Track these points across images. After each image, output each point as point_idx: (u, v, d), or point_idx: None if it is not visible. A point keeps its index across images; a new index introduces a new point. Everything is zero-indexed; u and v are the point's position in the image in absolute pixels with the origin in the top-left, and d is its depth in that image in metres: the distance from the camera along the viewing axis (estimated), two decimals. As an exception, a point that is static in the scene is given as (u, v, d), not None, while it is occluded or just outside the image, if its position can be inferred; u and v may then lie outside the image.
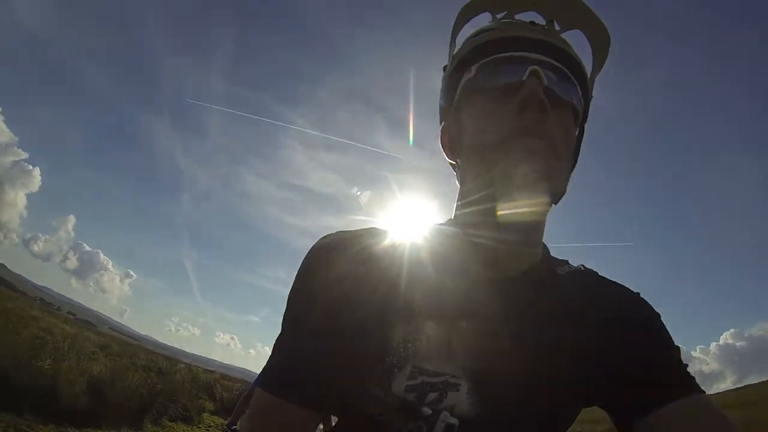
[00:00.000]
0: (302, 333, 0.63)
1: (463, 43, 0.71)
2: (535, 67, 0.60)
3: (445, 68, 0.73)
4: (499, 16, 0.70)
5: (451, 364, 0.59)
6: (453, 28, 0.71)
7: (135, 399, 6.88)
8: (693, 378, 0.63)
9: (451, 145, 0.71)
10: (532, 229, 0.65)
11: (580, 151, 0.71)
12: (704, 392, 0.61)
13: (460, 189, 0.70)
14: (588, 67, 0.70)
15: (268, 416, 0.62)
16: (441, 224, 0.73)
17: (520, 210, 0.59)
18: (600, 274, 0.73)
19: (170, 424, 7.83)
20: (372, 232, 0.70)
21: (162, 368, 12.60)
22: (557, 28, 0.68)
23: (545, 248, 0.72)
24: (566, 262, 0.73)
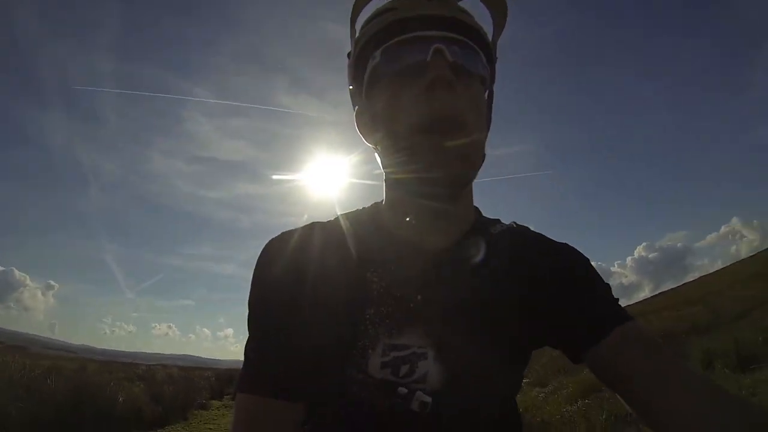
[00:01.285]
0: (269, 332, 0.65)
1: (363, 28, 0.71)
2: (437, 45, 0.62)
3: (349, 54, 0.74)
4: None
5: (415, 336, 0.63)
6: (351, 12, 0.72)
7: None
8: (624, 309, 0.69)
9: (366, 130, 0.73)
10: (461, 198, 0.70)
11: (492, 112, 0.74)
12: (635, 319, 0.67)
13: (385, 172, 0.72)
14: (489, 31, 0.72)
15: (255, 418, 0.61)
16: (378, 204, 0.77)
17: (444, 191, 0.65)
18: (530, 229, 0.79)
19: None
20: (316, 226, 0.73)
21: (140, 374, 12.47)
22: None
23: (478, 212, 0.76)
24: (498, 221, 0.78)
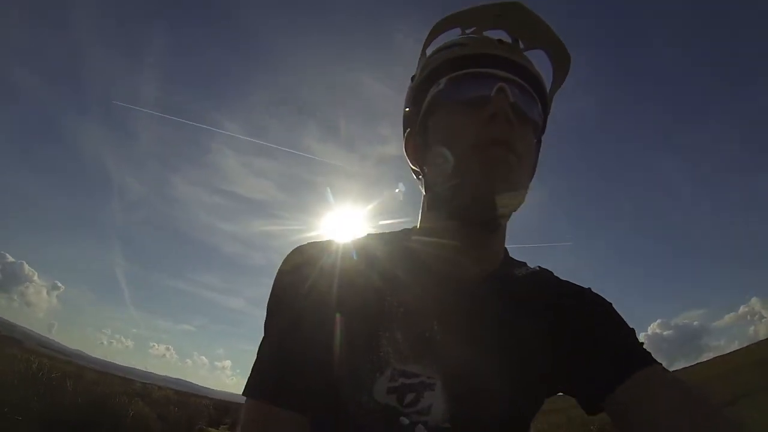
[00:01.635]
0: (284, 339, 0.64)
1: (433, 55, 0.74)
2: (502, 84, 0.65)
3: (413, 78, 0.76)
4: (468, 31, 0.75)
5: (426, 366, 0.62)
6: (425, 40, 0.75)
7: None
8: (650, 353, 0.66)
9: (416, 152, 0.74)
10: (496, 233, 0.70)
11: (538, 162, 0.75)
12: (661, 364, 0.64)
13: (426, 196, 0.73)
14: (548, 83, 0.74)
15: (261, 424, 0.61)
16: (409, 230, 0.77)
17: (485, 214, 0.65)
18: (553, 274, 0.78)
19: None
20: (341, 242, 0.73)
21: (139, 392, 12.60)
22: (521, 46, 0.73)
23: (506, 251, 0.76)
24: (524, 264, 0.77)
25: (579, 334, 0.68)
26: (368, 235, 0.76)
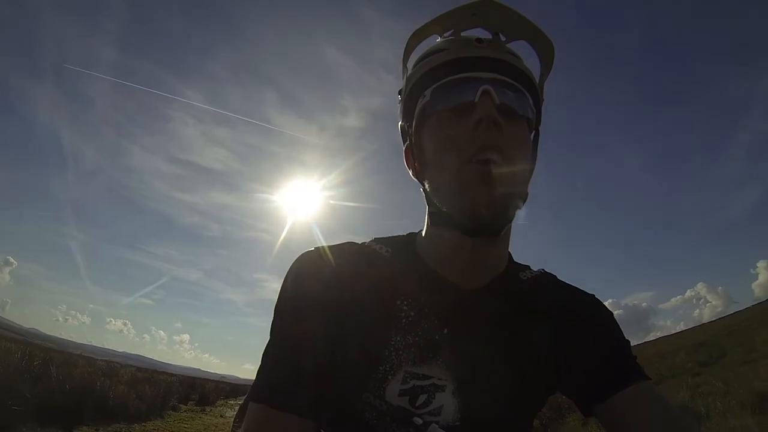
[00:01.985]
0: (291, 343, 0.65)
1: (414, 67, 0.73)
2: (486, 86, 0.64)
3: (400, 92, 0.76)
4: (446, 34, 0.73)
5: (437, 368, 0.66)
6: (404, 53, 0.74)
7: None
8: (642, 367, 0.71)
9: (415, 166, 0.74)
10: (499, 238, 0.70)
11: (538, 153, 0.74)
12: (651, 379, 0.70)
13: (428, 208, 0.73)
14: (536, 73, 0.73)
15: (264, 428, 0.61)
16: (414, 234, 0.79)
17: (487, 226, 0.65)
18: (556, 278, 0.81)
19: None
20: (352, 246, 0.75)
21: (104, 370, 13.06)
22: (503, 39, 0.71)
23: (509, 255, 0.77)
24: (528, 267, 0.80)
25: (580, 341, 0.72)
26: (375, 239, 0.77)
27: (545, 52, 0.73)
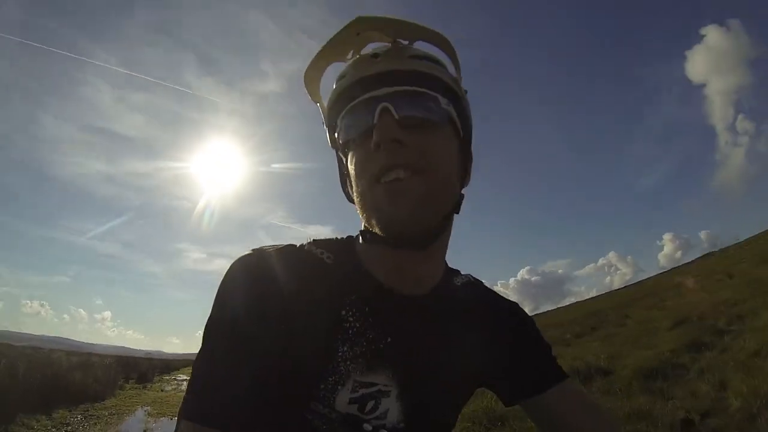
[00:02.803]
0: (228, 356, 0.61)
1: (329, 97, 0.71)
2: (383, 104, 0.62)
3: (323, 123, 0.75)
4: (348, 56, 0.70)
5: (382, 375, 0.67)
6: (308, 91, 0.72)
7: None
8: (561, 367, 0.81)
9: (348, 191, 0.75)
10: (432, 248, 0.69)
11: (472, 148, 0.74)
12: (570, 377, 0.80)
13: (362, 224, 0.71)
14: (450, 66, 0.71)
15: None
16: (353, 238, 0.78)
17: (407, 239, 0.64)
18: (483, 284, 0.87)
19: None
20: (294, 250, 0.72)
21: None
22: (405, 43, 0.68)
23: (445, 263, 0.79)
24: (458, 272, 0.84)
25: (507, 344, 0.80)
26: (315, 242, 0.75)
27: (447, 50, 0.69)
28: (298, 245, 0.74)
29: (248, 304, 0.64)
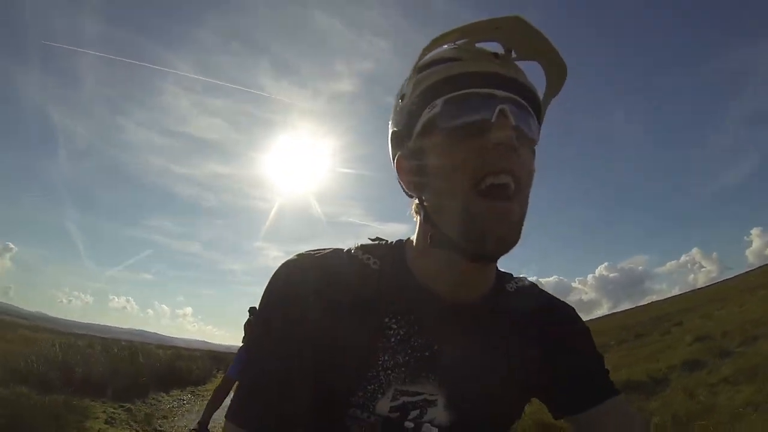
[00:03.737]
0: (272, 361, 0.64)
1: (423, 71, 0.67)
2: (503, 106, 0.60)
3: (402, 96, 0.70)
4: (458, 42, 0.68)
5: (428, 384, 0.65)
6: (419, 58, 0.68)
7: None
8: (612, 382, 0.76)
9: (412, 177, 0.69)
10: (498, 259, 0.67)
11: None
12: (621, 393, 0.75)
13: (424, 225, 0.68)
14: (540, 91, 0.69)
15: None
16: (402, 243, 0.75)
17: (492, 254, 0.63)
18: (538, 287, 0.81)
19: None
20: (340, 255, 0.71)
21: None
22: (513, 55, 0.67)
23: (495, 266, 0.75)
24: (511, 276, 0.79)
25: (559, 355, 0.75)
26: (362, 247, 0.74)
27: (558, 76, 0.69)
28: (345, 250, 0.73)
29: (288, 311, 0.65)
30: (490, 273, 0.73)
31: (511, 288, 0.77)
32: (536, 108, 0.67)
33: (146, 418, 6.34)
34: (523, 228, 0.63)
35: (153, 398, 8.91)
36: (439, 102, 0.63)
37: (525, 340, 0.73)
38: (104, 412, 6.62)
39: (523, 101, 0.64)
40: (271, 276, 0.68)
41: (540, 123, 0.69)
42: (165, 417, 6.50)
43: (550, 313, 0.79)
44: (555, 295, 0.83)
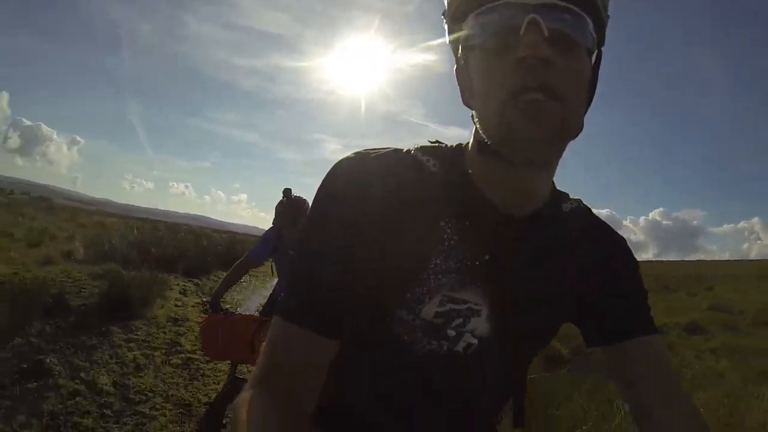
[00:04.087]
0: (324, 259, 0.62)
1: None
2: (532, 15, 0.54)
3: (444, 13, 0.68)
4: None
5: (474, 293, 0.65)
6: None
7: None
8: (652, 319, 0.72)
9: (464, 90, 0.67)
10: (545, 170, 0.66)
11: (599, 77, 0.65)
12: (659, 333, 0.72)
13: (476, 132, 0.65)
14: None
15: (288, 347, 0.60)
16: (462, 147, 0.71)
17: (531, 161, 0.60)
18: (593, 212, 0.78)
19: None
20: (398, 154, 0.68)
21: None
22: None
23: (552, 184, 0.73)
24: (567, 195, 0.76)
25: (605, 281, 0.72)
26: (421, 148, 0.70)
27: None
28: (404, 150, 0.69)
29: (344, 208, 0.62)
30: (543, 185, 0.68)
31: (566, 208, 0.74)
32: (590, 8, 0.59)
33: (211, 290, 7.40)
34: (569, 138, 0.59)
35: (215, 275, 10.28)
36: (470, 18, 0.61)
37: (574, 260, 0.71)
38: (177, 285, 7.83)
39: (565, 3, 0.57)
40: (327, 172, 0.66)
41: (602, 24, 0.62)
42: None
43: (603, 239, 0.77)
44: None
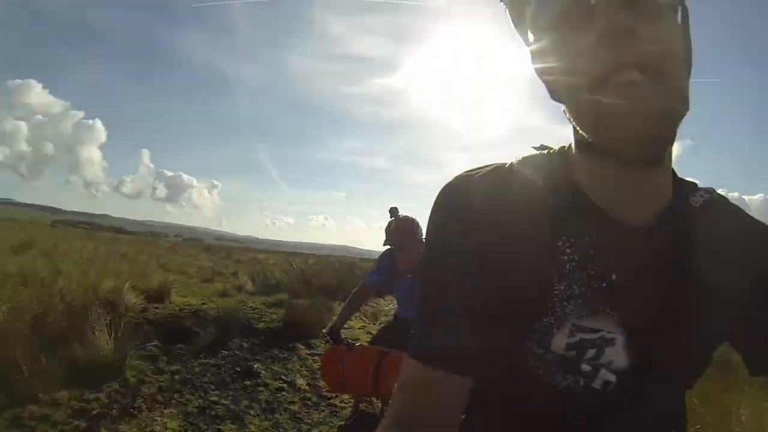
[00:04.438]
0: (446, 294, 0.57)
1: None
2: None
3: None
4: None
5: (606, 320, 0.55)
6: None
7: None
8: None
9: (544, 78, 0.57)
10: (660, 164, 0.54)
11: (691, 38, 0.53)
12: None
13: (574, 132, 0.56)
14: None
15: (421, 387, 0.55)
16: (565, 151, 0.61)
17: (638, 155, 0.49)
18: (730, 201, 0.64)
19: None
20: (499, 173, 0.60)
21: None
22: None
23: (674, 174, 0.60)
24: (695, 185, 0.63)
25: (761, 289, 0.56)
26: (524, 158, 0.62)
27: None
28: (507, 165, 0.61)
29: (461, 236, 0.57)
30: (662, 181, 0.57)
31: (696, 203, 0.60)
32: None
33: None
34: (678, 121, 0.49)
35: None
36: None
37: (721, 269, 0.55)
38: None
39: None
40: (434, 201, 0.60)
41: None
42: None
43: (749, 236, 0.60)
44: (759, 218, 0.63)
